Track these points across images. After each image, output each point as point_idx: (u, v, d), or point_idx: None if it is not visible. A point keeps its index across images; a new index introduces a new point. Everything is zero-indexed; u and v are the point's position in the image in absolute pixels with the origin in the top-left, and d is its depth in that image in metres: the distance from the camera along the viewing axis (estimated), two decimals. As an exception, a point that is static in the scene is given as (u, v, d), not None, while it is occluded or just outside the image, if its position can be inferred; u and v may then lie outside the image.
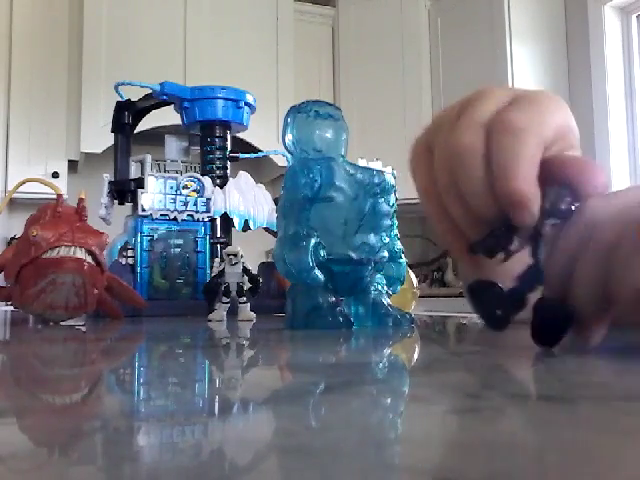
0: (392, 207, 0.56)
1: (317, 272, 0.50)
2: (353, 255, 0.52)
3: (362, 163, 0.56)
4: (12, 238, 2.72)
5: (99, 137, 2.62)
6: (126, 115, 0.99)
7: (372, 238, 0.53)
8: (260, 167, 3.02)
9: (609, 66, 2.63)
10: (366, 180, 0.53)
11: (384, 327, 0.53)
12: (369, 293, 0.54)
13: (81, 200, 0.62)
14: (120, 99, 1.00)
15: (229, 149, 1.02)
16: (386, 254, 0.55)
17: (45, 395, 0.22)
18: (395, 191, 0.56)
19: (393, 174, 0.57)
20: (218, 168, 1.00)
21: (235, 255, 0.68)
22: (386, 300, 0.55)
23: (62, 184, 2.65)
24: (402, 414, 0.18)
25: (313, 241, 0.50)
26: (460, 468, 0.12)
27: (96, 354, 0.39)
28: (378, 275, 0.55)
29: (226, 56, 2.94)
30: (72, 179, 2.84)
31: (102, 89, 2.69)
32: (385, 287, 0.55)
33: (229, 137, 1.02)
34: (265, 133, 2.60)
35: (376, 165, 0.56)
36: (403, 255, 0.57)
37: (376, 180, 0.54)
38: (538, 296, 0.30)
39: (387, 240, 0.55)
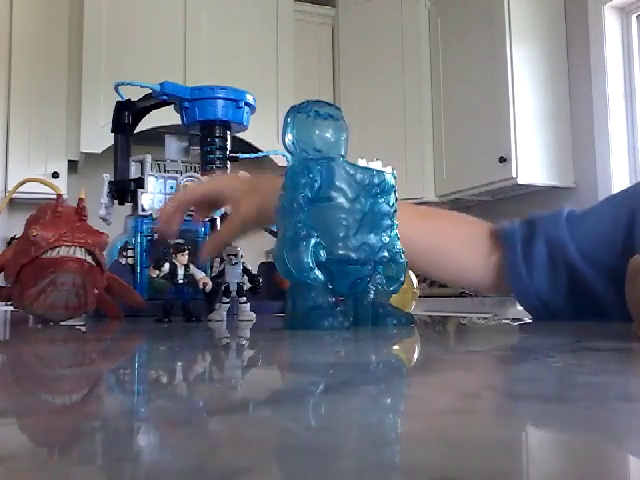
0: (392, 207, 0.55)
1: (317, 272, 0.49)
2: (353, 255, 0.52)
3: (362, 163, 0.56)
4: (12, 238, 2.72)
5: (99, 137, 2.63)
6: (126, 115, 0.99)
7: (372, 238, 0.53)
8: (260, 167, 3.02)
9: (609, 66, 2.63)
10: (366, 180, 0.53)
11: (384, 327, 0.52)
12: (369, 293, 0.54)
13: (81, 200, 0.62)
14: (120, 99, 1.00)
15: (229, 149, 1.02)
16: (386, 254, 0.54)
17: (45, 395, 0.22)
18: (395, 191, 0.56)
19: (393, 174, 0.56)
20: (218, 168, 1.00)
21: (235, 255, 0.68)
22: (386, 300, 0.54)
23: (62, 184, 2.65)
24: (402, 414, 0.18)
25: (313, 241, 0.49)
26: (460, 468, 0.12)
27: (96, 354, 0.39)
28: (378, 275, 0.54)
29: (226, 56, 2.94)
30: (72, 179, 2.84)
31: (102, 89, 2.69)
32: (385, 287, 0.55)
33: (229, 137, 1.02)
34: (265, 133, 2.60)
35: (376, 165, 0.56)
36: (403, 255, 0.57)
37: (376, 180, 0.54)
38: None
39: (387, 240, 0.54)
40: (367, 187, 0.53)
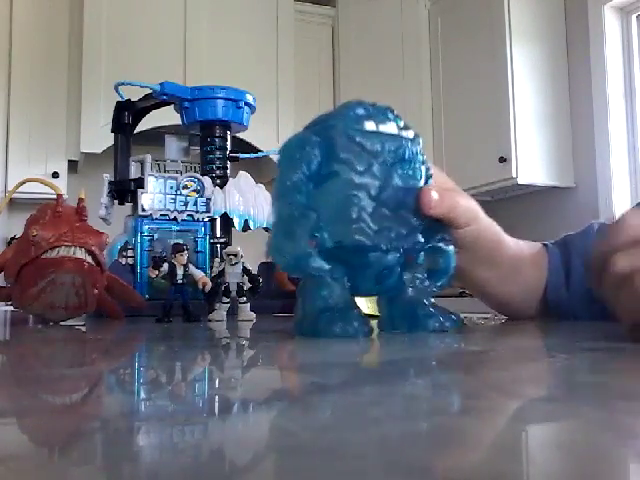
0: (419, 179, 0.44)
1: (317, 259, 0.40)
2: (371, 239, 0.41)
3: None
4: (12, 238, 2.72)
5: (99, 137, 2.63)
6: (126, 115, 0.99)
7: (396, 218, 0.42)
8: (260, 167, 3.02)
9: (609, 66, 2.63)
10: (378, 147, 0.42)
11: (424, 332, 0.42)
12: (404, 291, 0.44)
13: (81, 200, 0.62)
14: (120, 99, 1.00)
15: (229, 149, 1.02)
16: (421, 239, 0.43)
17: (45, 395, 0.22)
18: (425, 161, 0.45)
19: (416, 137, 0.44)
20: (218, 168, 1.00)
21: (235, 255, 0.68)
22: (428, 299, 0.44)
23: (62, 184, 2.65)
24: (402, 414, 0.18)
25: (310, 222, 0.41)
26: (461, 468, 0.12)
27: (96, 354, 0.39)
28: (418, 267, 0.44)
29: (226, 56, 2.94)
30: (72, 179, 2.84)
31: (102, 89, 2.69)
32: (426, 282, 0.44)
33: (229, 137, 1.02)
34: (265, 133, 2.60)
35: (389, 128, 0.43)
36: (449, 241, 0.45)
37: (391, 146, 0.43)
38: None
39: (418, 222, 0.44)
40: (381, 155, 0.42)
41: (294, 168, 0.42)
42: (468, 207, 0.49)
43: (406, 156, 0.43)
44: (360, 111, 0.43)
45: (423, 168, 0.44)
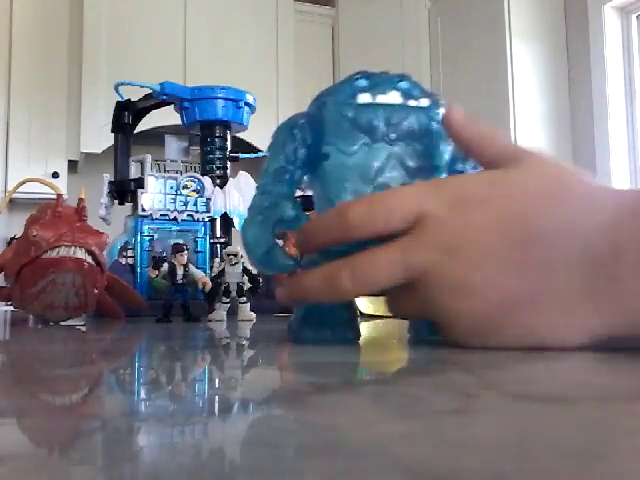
0: (433, 158, 0.36)
1: (285, 253, 0.36)
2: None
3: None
4: (12, 238, 2.72)
5: (99, 137, 2.63)
6: (126, 115, 0.99)
7: None
8: (260, 167, 3.02)
9: (609, 66, 2.63)
10: (372, 122, 0.36)
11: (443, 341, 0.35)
12: None
13: (81, 200, 0.62)
14: (120, 99, 1.00)
15: (229, 149, 1.02)
16: None
17: (45, 395, 0.22)
18: (440, 135, 0.37)
19: (433, 105, 0.37)
20: (218, 168, 1.00)
21: (235, 255, 0.68)
22: None
23: (62, 184, 2.66)
24: (402, 414, 0.18)
25: (282, 213, 0.36)
26: (460, 468, 0.12)
27: (96, 354, 0.39)
28: None
29: (226, 56, 2.95)
30: (72, 179, 2.84)
31: (102, 89, 2.69)
32: None
33: (229, 137, 1.02)
34: (265, 133, 2.60)
35: (392, 98, 0.36)
36: None
37: (393, 119, 0.36)
38: None
39: None
40: (377, 131, 0.36)
41: (277, 154, 0.38)
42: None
43: (415, 129, 0.36)
44: (361, 83, 0.37)
45: (440, 142, 0.37)
